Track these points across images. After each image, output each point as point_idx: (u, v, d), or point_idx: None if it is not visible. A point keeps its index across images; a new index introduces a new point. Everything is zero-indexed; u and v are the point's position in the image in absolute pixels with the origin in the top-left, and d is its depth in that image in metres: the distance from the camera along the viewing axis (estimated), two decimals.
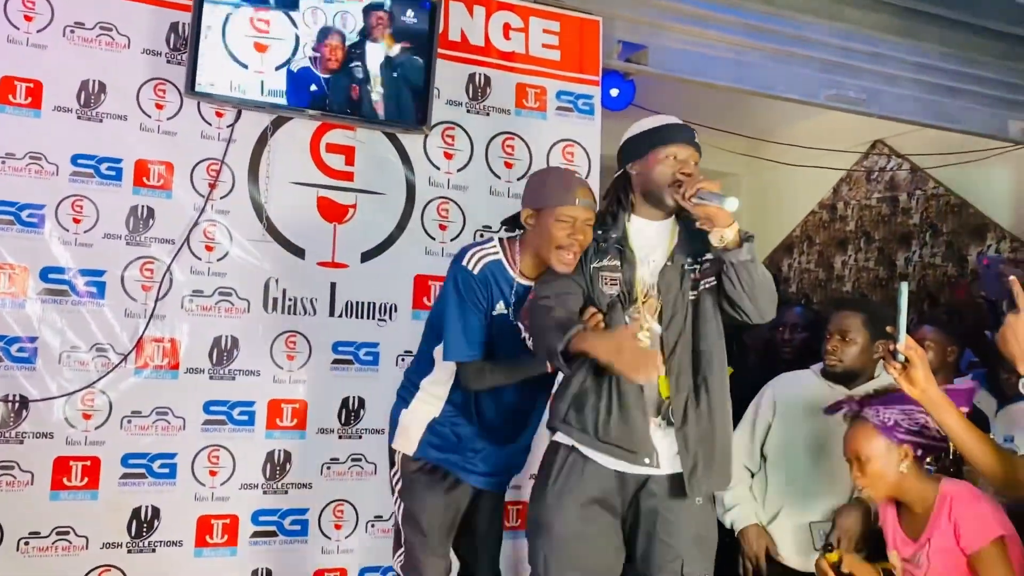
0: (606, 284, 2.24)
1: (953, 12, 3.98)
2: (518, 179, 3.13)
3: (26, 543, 2.54)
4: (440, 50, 2.98)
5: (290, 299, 2.84)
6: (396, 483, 2.41)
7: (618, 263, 2.24)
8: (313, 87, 2.78)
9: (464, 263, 2.27)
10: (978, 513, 2.10)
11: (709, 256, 2.22)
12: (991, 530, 2.09)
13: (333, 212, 2.92)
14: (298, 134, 2.89)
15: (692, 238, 2.28)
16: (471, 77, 3.15)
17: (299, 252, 2.87)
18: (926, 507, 2.17)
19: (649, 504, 2.20)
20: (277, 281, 2.83)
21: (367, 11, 2.84)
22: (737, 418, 2.94)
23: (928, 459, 2.31)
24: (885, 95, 3.96)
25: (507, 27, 3.21)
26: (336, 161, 2.93)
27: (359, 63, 2.83)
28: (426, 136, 3.04)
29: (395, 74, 2.88)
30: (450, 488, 2.39)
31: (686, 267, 2.24)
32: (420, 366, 2.44)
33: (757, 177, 6.65)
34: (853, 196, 6.16)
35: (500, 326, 2.29)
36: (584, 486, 2.19)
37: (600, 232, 2.27)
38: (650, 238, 2.29)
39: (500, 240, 2.36)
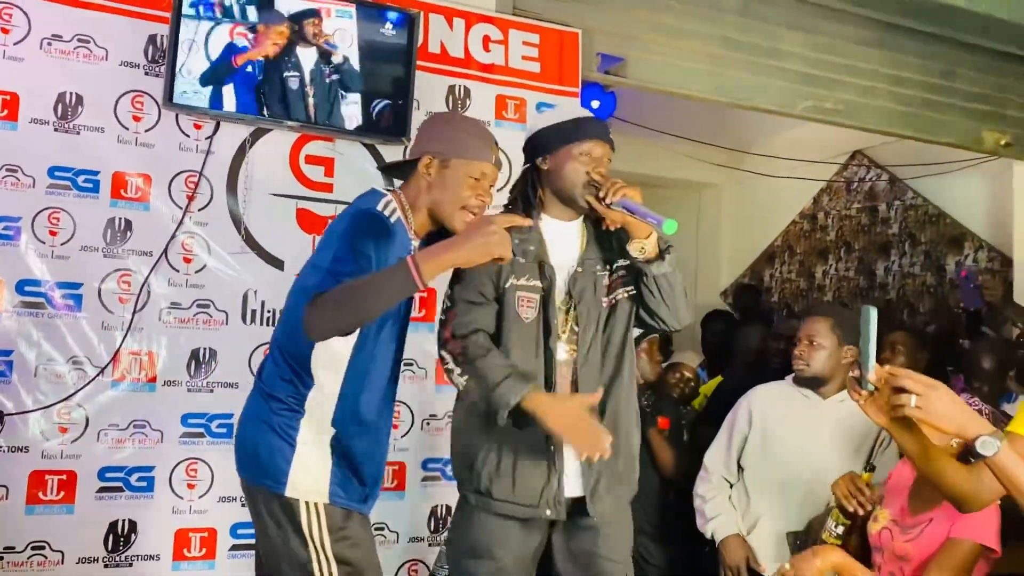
0: (523, 306, 2.07)
1: (928, 25, 4.04)
2: (497, 190, 3.12)
3: (0, 558, 2.51)
4: (420, 62, 2.99)
5: (269, 311, 2.84)
6: (320, 546, 1.86)
7: (538, 283, 2.09)
8: (283, 98, 2.79)
9: (380, 208, 1.91)
10: (987, 513, 2.08)
11: (622, 263, 2.14)
12: (984, 534, 2.10)
13: (312, 223, 2.92)
14: (277, 146, 2.89)
15: (600, 240, 2.18)
16: (451, 89, 3.16)
17: (278, 264, 2.86)
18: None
19: (580, 523, 2.12)
20: (256, 293, 2.83)
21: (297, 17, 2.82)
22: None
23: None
24: (862, 107, 4.01)
25: (487, 39, 3.23)
26: (315, 172, 2.94)
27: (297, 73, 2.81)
28: (406, 147, 3.04)
29: (332, 80, 2.85)
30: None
31: (598, 272, 2.15)
32: (294, 369, 1.91)
33: (738, 188, 6.70)
34: (833, 206, 6.22)
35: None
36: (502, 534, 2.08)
37: (517, 241, 2.03)
38: (562, 241, 2.15)
39: (393, 193, 2.00)
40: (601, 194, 2.03)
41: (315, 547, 1.86)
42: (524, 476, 2.06)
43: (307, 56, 2.82)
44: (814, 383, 2.74)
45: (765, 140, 5.95)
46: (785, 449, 2.73)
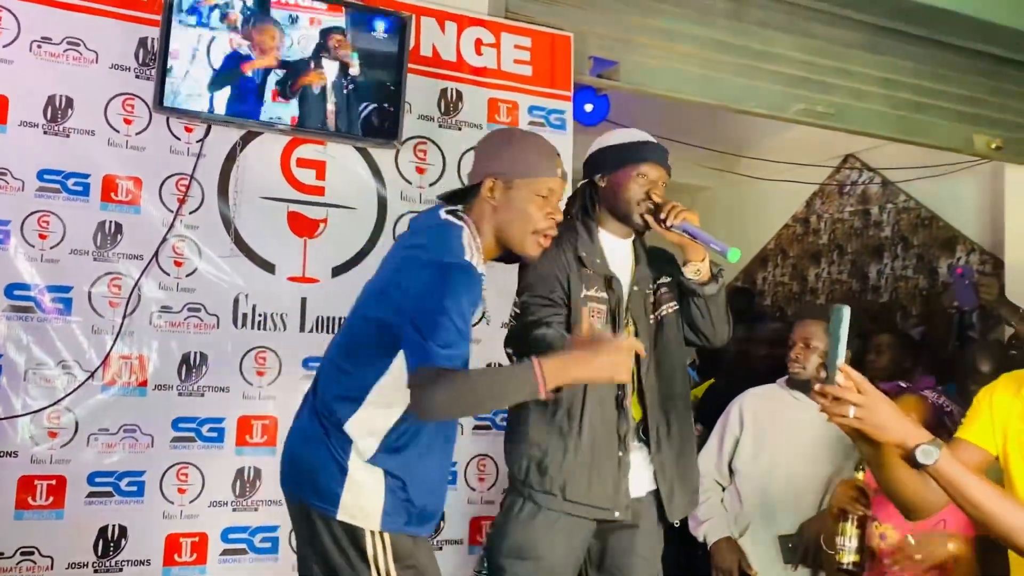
0: (593, 316, 2.09)
1: (918, 28, 4.05)
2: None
3: None
4: (411, 65, 2.98)
5: (260, 314, 2.83)
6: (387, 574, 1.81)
7: (605, 295, 2.17)
8: (279, 101, 2.78)
9: (468, 257, 1.81)
10: None
11: (664, 280, 2.27)
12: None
13: (303, 227, 2.91)
14: (268, 149, 2.88)
15: (649, 259, 2.31)
16: (443, 92, 3.16)
17: (269, 267, 2.85)
18: None
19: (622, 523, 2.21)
20: (247, 296, 2.81)
21: (324, 33, 2.83)
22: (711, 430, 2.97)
23: None
24: (853, 110, 4.01)
25: (479, 42, 3.23)
26: (307, 176, 2.93)
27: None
28: (397, 151, 3.04)
29: (350, 90, 2.85)
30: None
31: (646, 292, 2.26)
32: (345, 396, 1.86)
33: (731, 191, 6.71)
34: (826, 210, 6.23)
35: None
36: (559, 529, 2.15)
37: (584, 254, 2.14)
38: (617, 257, 2.26)
39: (463, 220, 1.91)
40: (662, 215, 2.15)
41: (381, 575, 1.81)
42: (598, 478, 2.13)
43: (330, 68, 2.83)
44: (809, 386, 2.75)
45: (758, 143, 5.97)
46: (777, 452, 2.74)
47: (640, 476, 2.23)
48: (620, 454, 2.15)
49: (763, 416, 2.79)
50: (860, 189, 5.95)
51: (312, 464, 1.87)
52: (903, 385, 2.96)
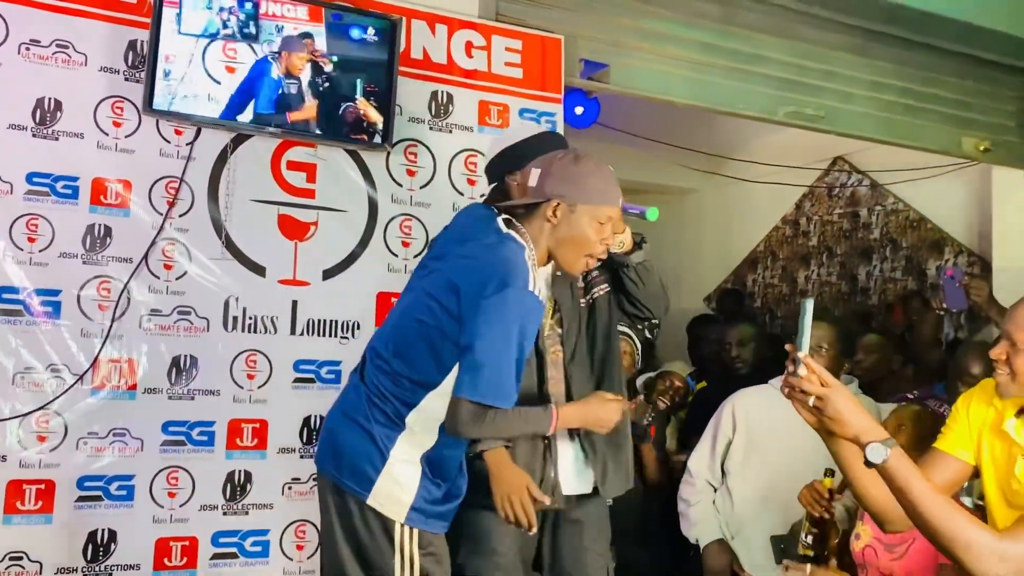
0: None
1: (906, 32, 4.07)
2: (481, 196, 3.13)
3: None
4: (402, 68, 2.98)
5: (250, 317, 2.82)
6: (411, 561, 1.98)
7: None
8: (270, 105, 2.78)
9: (532, 286, 1.92)
10: None
11: (596, 275, 2.31)
12: None
13: (294, 229, 2.90)
14: (258, 152, 2.87)
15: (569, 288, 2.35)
16: (434, 94, 3.16)
17: (259, 270, 2.84)
18: None
19: (570, 516, 2.31)
20: (237, 299, 2.80)
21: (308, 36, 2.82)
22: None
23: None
24: (842, 112, 4.03)
25: (469, 45, 3.23)
26: (297, 178, 2.92)
27: (295, 80, 2.81)
28: (388, 153, 3.04)
29: (328, 90, 2.84)
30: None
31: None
32: (404, 391, 2.00)
33: (721, 193, 6.73)
34: (815, 212, 6.26)
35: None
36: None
37: None
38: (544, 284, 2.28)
39: (523, 236, 2.00)
40: None
41: (405, 561, 1.96)
42: (524, 466, 2.18)
43: (319, 71, 2.82)
44: None
45: (747, 146, 5.99)
46: (769, 453, 2.74)
47: (583, 472, 2.30)
48: (545, 441, 2.22)
49: (755, 417, 2.79)
50: (849, 191, 5.99)
51: (353, 445, 2.00)
52: (910, 396, 2.98)
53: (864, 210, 5.88)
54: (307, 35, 2.80)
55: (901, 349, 3.95)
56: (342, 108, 2.85)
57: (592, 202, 2.00)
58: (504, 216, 2.06)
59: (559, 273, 2.21)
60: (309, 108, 2.82)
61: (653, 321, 3.71)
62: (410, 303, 2.08)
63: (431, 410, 1.97)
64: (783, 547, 2.65)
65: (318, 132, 2.85)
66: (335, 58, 2.84)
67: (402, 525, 1.96)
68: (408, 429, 1.97)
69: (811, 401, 1.52)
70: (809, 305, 1.55)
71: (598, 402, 2.09)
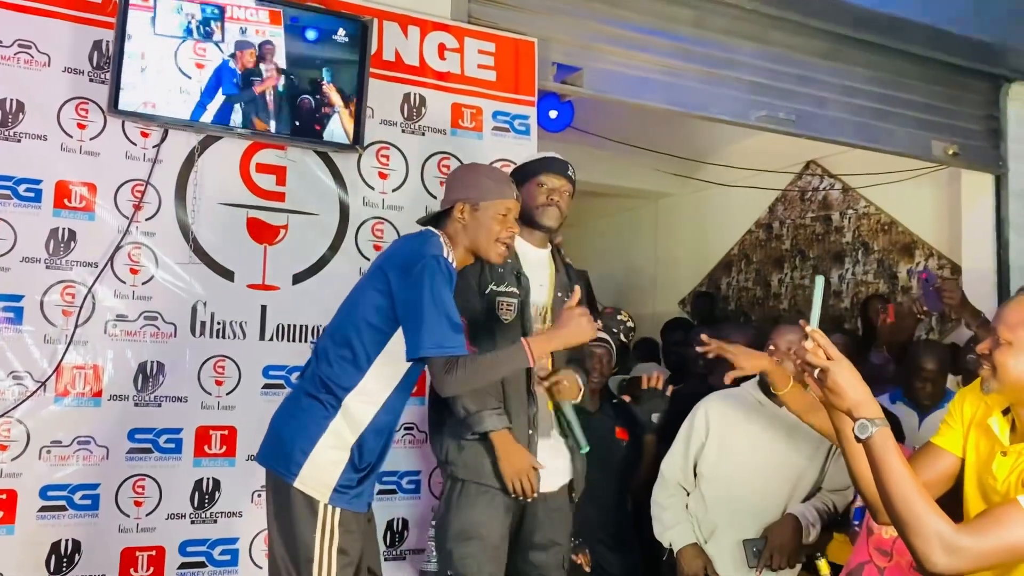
0: (502, 310, 2.47)
1: (876, 37, 4.11)
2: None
3: None
4: (374, 69, 2.96)
5: (219, 323, 2.78)
6: (327, 544, 2.14)
7: (515, 289, 2.50)
8: (235, 107, 2.74)
9: (445, 255, 2.19)
10: None
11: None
12: None
13: (263, 233, 2.86)
14: (227, 154, 2.83)
15: (568, 272, 2.69)
16: (406, 97, 3.13)
17: (228, 274, 2.80)
18: None
19: (541, 507, 2.53)
20: (205, 304, 2.76)
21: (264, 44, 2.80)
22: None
23: None
24: (814, 116, 4.06)
25: (442, 47, 3.21)
26: (266, 181, 2.88)
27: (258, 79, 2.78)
28: (360, 156, 3.01)
29: (288, 93, 2.82)
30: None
31: (566, 300, 2.45)
32: (341, 373, 2.18)
33: (695, 197, 6.75)
34: (788, 215, 6.29)
35: None
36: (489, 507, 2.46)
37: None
38: (534, 264, 2.58)
39: (441, 233, 2.29)
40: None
41: (325, 536, 2.13)
42: None
43: (267, 71, 2.79)
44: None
45: (721, 150, 6.01)
46: (741, 456, 2.74)
47: (558, 467, 2.55)
48: (530, 432, 2.47)
49: (728, 420, 2.79)
50: (821, 195, 6.02)
51: (286, 433, 2.20)
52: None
53: (836, 214, 5.92)
54: (267, 42, 2.78)
55: (858, 347, 4.00)
56: (298, 100, 2.82)
57: (490, 198, 2.32)
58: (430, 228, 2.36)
59: (558, 294, 2.57)
60: (274, 110, 2.79)
61: (628, 324, 3.72)
62: (348, 299, 2.31)
63: (368, 392, 2.17)
64: (756, 551, 2.65)
65: (284, 134, 2.81)
66: (297, 59, 2.81)
67: (325, 505, 2.13)
68: (343, 410, 2.16)
69: (816, 373, 1.57)
70: (820, 282, 1.65)
71: (567, 316, 2.25)
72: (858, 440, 1.54)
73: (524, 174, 2.62)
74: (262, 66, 2.77)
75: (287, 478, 2.14)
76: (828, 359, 1.56)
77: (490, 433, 2.40)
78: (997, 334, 1.76)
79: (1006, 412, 1.83)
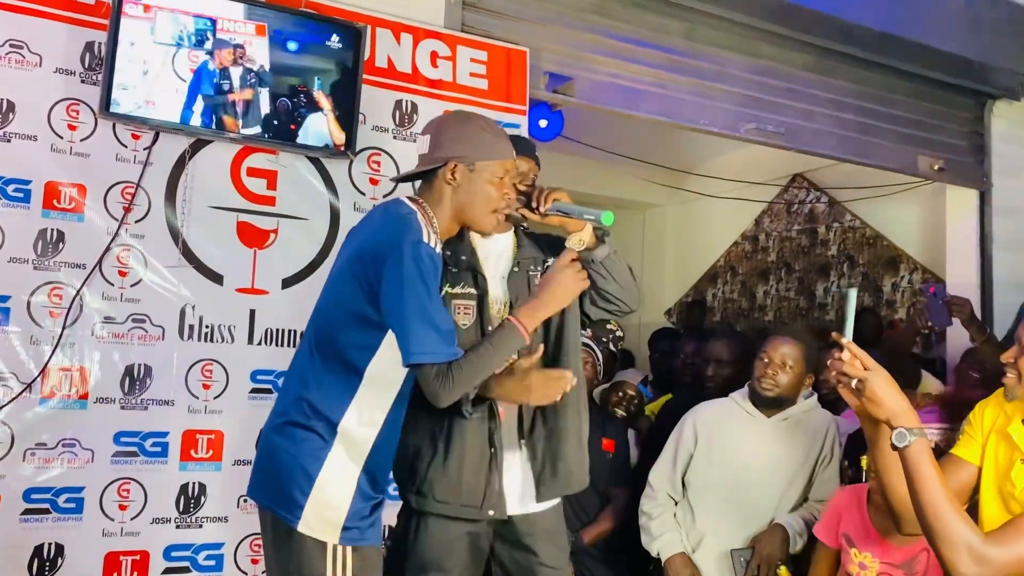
0: (459, 314, 2.15)
1: (865, 52, 4.15)
2: None
3: None
4: (366, 76, 2.96)
5: (207, 326, 2.76)
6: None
7: (473, 290, 2.18)
8: (223, 109, 2.74)
9: (424, 239, 1.85)
10: None
11: (551, 261, 2.18)
12: None
13: (253, 237, 2.86)
14: (218, 157, 2.82)
15: (531, 243, 2.31)
16: (398, 103, 3.14)
17: (217, 278, 2.79)
18: None
19: (520, 531, 2.20)
20: (194, 307, 2.75)
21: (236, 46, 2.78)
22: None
23: None
24: (802, 130, 4.09)
25: (434, 55, 3.21)
26: (257, 185, 2.88)
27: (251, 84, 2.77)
28: (351, 161, 3.01)
29: (299, 99, 2.82)
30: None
31: (531, 272, 2.23)
32: (331, 392, 1.90)
33: (682, 208, 6.80)
34: (774, 228, 6.34)
35: None
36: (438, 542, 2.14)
37: (448, 252, 2.14)
38: (496, 252, 2.26)
39: (416, 203, 1.96)
40: (534, 204, 2.09)
41: (337, 573, 1.87)
42: (468, 476, 2.11)
43: (248, 74, 2.78)
44: (773, 403, 2.76)
45: (709, 161, 6.06)
46: (729, 466, 2.75)
47: (530, 490, 2.21)
48: (492, 450, 2.14)
49: (716, 430, 2.80)
50: (807, 208, 6.07)
51: (279, 469, 1.89)
52: None
53: (822, 227, 5.97)
54: (242, 45, 2.77)
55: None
56: (277, 103, 2.81)
57: (490, 158, 1.96)
58: (407, 196, 2.03)
59: (515, 269, 2.21)
60: (264, 114, 2.79)
61: (618, 334, 3.71)
62: (325, 297, 2.06)
63: (366, 409, 1.90)
64: (744, 561, 2.65)
65: (272, 138, 2.81)
66: (281, 66, 2.81)
67: (335, 546, 1.87)
68: (340, 436, 1.88)
69: (854, 384, 1.58)
70: (853, 294, 1.64)
71: (548, 274, 2.01)
72: (895, 448, 1.54)
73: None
74: (243, 66, 2.76)
75: (289, 522, 1.86)
76: (865, 369, 1.58)
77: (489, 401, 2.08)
78: (1022, 342, 1.80)
79: None
